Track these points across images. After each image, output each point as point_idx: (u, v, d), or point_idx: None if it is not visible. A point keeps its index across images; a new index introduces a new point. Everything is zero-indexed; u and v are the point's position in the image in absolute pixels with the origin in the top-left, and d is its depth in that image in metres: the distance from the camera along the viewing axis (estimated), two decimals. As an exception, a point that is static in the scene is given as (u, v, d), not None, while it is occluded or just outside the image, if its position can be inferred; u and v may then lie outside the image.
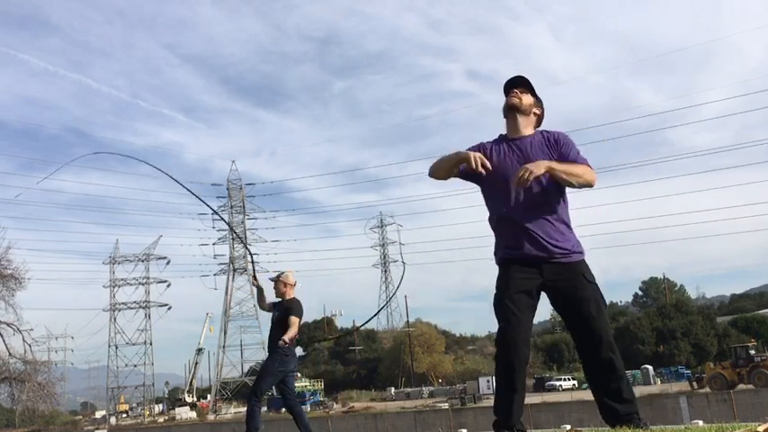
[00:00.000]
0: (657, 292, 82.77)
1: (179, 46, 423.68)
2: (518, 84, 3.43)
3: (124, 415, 75.41)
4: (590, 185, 3.20)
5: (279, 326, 6.29)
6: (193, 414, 64.96)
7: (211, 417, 61.47)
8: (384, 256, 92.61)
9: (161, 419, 66.76)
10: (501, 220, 3.32)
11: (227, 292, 74.82)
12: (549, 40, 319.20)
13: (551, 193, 3.23)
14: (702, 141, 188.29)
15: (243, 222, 76.28)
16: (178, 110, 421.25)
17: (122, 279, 77.41)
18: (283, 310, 6.37)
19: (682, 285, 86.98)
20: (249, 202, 77.25)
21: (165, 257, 77.56)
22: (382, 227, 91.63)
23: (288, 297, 6.45)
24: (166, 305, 78.31)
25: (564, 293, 3.21)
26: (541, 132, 3.38)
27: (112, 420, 70.52)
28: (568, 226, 3.29)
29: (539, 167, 3.09)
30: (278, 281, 6.49)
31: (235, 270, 75.15)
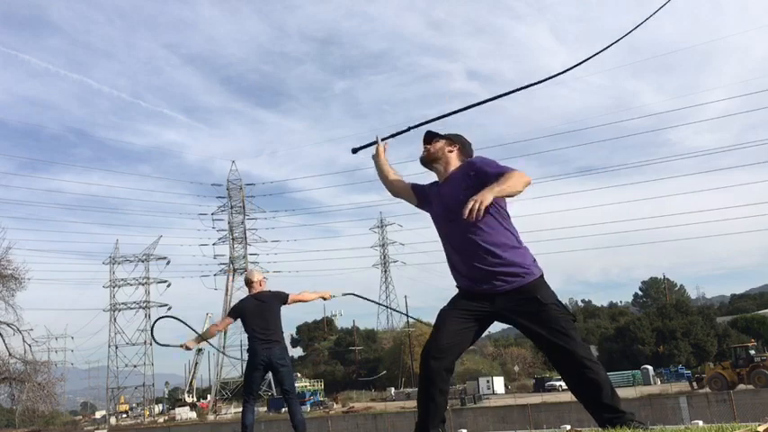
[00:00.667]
0: (657, 293, 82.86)
1: (180, 46, 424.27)
2: (425, 140, 3.56)
3: (124, 415, 75.44)
4: (527, 186, 3.15)
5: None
6: (193, 414, 64.98)
7: (211, 417, 61.45)
8: (384, 257, 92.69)
9: (161, 420, 66.81)
10: (447, 257, 3.41)
11: (227, 293, 74.78)
12: (550, 40, 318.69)
13: (486, 220, 3.18)
14: (703, 142, 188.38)
15: (243, 223, 76.35)
16: (179, 110, 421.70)
17: (122, 279, 77.49)
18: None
19: (682, 285, 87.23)
20: (249, 203, 77.34)
21: (165, 258, 77.68)
22: (382, 227, 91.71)
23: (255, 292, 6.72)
24: (166, 305, 78.34)
25: (520, 319, 3.18)
26: (462, 165, 3.41)
27: (112, 421, 70.57)
28: (515, 245, 3.23)
29: (485, 197, 3.02)
30: (246, 280, 6.81)
31: (235, 270, 75.14)
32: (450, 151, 3.49)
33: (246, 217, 76.74)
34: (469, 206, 2.99)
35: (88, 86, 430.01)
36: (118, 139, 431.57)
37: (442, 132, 3.56)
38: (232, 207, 76.44)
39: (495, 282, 3.17)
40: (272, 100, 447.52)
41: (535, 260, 3.27)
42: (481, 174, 3.22)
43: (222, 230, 76.33)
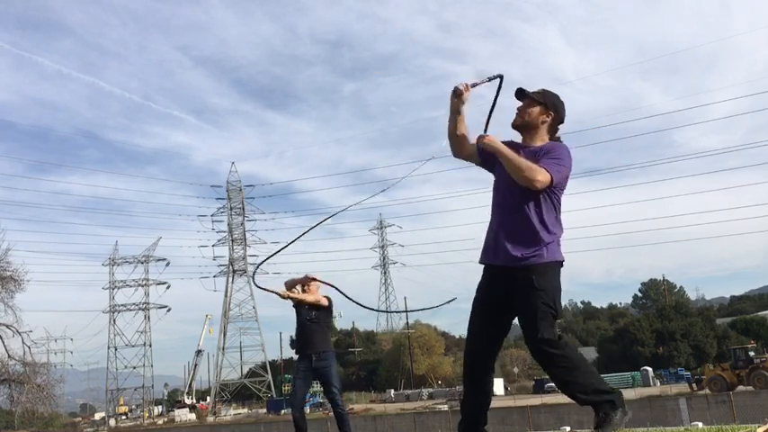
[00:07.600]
0: (657, 294, 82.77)
1: (192, 48, 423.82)
2: (519, 98, 3.24)
3: (123, 417, 75.35)
4: (524, 179, 2.94)
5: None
6: (192, 416, 64.90)
7: (211, 419, 61.45)
8: (383, 258, 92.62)
9: (160, 421, 66.78)
10: (489, 228, 3.30)
11: (226, 294, 74.74)
12: (560, 42, 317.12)
13: (531, 200, 3.07)
14: (709, 143, 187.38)
15: (242, 224, 76.27)
16: (189, 112, 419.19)
17: (122, 281, 77.30)
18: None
19: (681, 287, 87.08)
20: (249, 204, 77.23)
21: (164, 259, 77.45)
22: (381, 228, 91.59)
23: None
24: (166, 307, 78.27)
25: (513, 299, 3.09)
26: (544, 145, 3.17)
27: (112, 422, 70.48)
28: (538, 231, 3.05)
29: (489, 139, 3.10)
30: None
31: (234, 272, 75.06)
32: (544, 122, 3.17)
33: (246, 218, 76.74)
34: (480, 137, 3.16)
35: (99, 88, 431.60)
36: (127, 141, 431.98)
37: (534, 90, 3.24)
38: (231, 208, 76.40)
39: (504, 258, 3.08)
40: (281, 102, 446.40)
41: (557, 251, 3.11)
42: (542, 155, 3.06)
43: (222, 232, 76.29)
